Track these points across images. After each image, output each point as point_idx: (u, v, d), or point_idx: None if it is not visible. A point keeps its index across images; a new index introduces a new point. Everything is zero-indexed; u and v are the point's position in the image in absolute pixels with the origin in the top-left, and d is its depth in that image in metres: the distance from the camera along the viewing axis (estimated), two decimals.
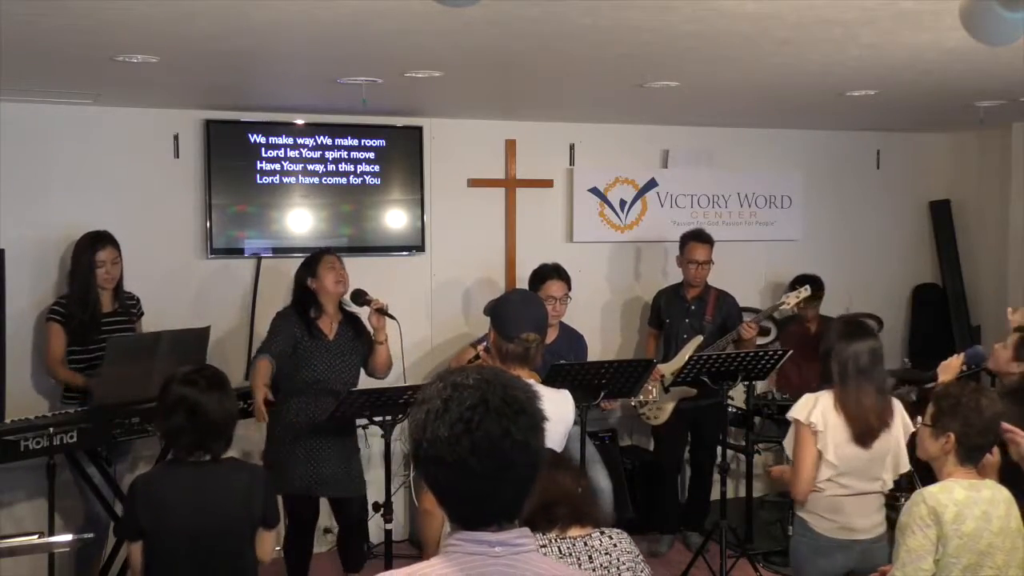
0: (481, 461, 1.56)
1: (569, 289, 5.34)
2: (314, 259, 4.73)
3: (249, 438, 5.23)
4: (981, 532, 2.88)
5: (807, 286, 5.72)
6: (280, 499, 4.63)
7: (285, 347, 4.59)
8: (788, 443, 3.68)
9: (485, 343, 3.68)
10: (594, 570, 2.45)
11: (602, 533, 2.53)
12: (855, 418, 3.50)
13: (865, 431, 3.50)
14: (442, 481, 1.61)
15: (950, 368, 4.07)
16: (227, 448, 3.21)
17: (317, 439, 4.55)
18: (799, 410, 3.59)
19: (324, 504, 4.87)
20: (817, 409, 3.54)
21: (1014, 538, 2.94)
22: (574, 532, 2.50)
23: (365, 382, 4.83)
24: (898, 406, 3.64)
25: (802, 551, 3.66)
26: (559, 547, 2.46)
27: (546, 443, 1.71)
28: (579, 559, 2.45)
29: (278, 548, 4.89)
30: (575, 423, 4.44)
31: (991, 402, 2.99)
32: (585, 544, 2.48)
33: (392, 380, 4.93)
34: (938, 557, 2.87)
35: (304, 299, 4.69)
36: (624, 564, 2.50)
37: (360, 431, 4.83)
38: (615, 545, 2.52)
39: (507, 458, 1.58)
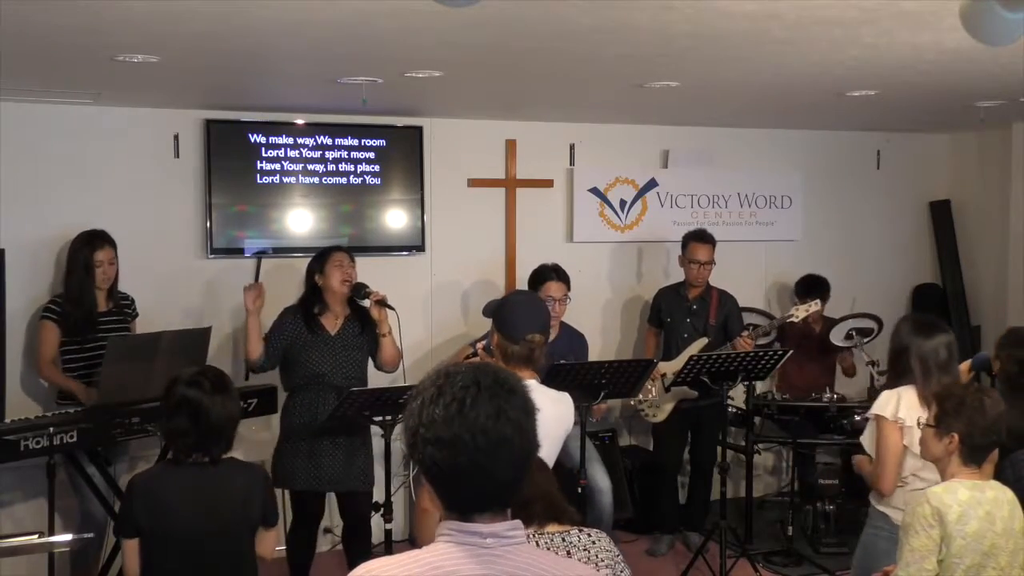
0: (475, 438, 1.60)
1: (568, 289, 5.33)
2: (324, 256, 4.77)
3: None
4: (985, 533, 2.87)
5: (818, 300, 5.74)
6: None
7: (280, 344, 4.68)
8: (867, 440, 3.66)
9: (485, 342, 3.68)
10: None
11: (580, 530, 2.54)
12: None
13: None
14: (438, 462, 1.63)
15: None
16: (228, 450, 3.22)
17: (321, 435, 4.57)
18: (882, 406, 3.56)
19: (328, 503, 4.88)
20: (903, 404, 3.52)
21: (1017, 539, 2.93)
22: (552, 528, 2.51)
23: (375, 379, 4.87)
24: None
25: (882, 546, 3.55)
26: (537, 542, 2.47)
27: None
28: (556, 553, 2.45)
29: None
30: (575, 423, 4.46)
31: (994, 402, 2.98)
32: (564, 539, 2.49)
33: (392, 378, 4.95)
34: (941, 557, 2.87)
35: (310, 294, 4.75)
36: (603, 561, 2.50)
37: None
38: (594, 543, 2.52)
39: (501, 435, 1.62)
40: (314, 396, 4.61)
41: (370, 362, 4.85)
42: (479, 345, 3.92)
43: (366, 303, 4.75)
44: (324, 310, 4.71)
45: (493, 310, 3.45)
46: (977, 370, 4.36)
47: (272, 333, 4.72)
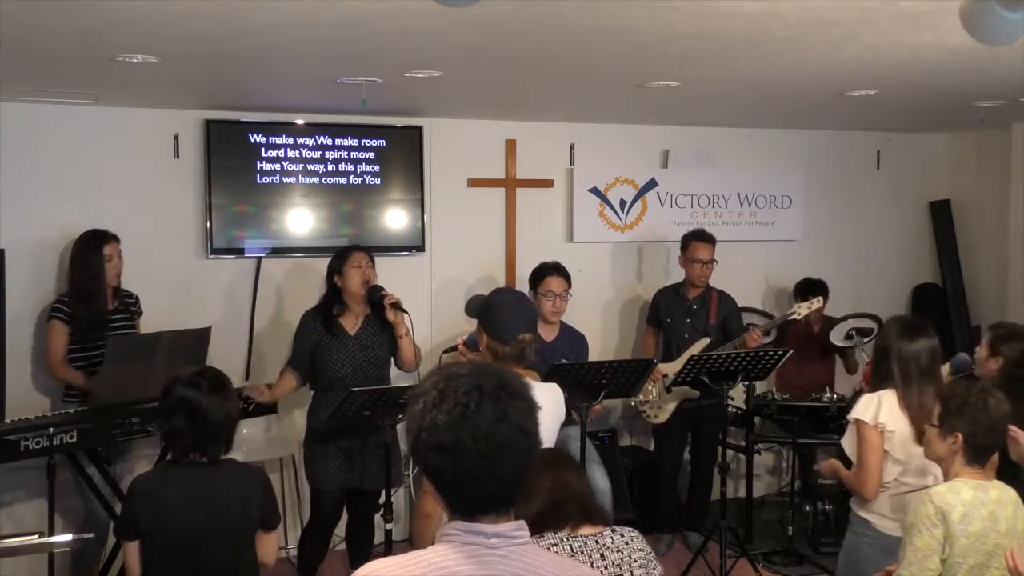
0: (478, 443, 1.61)
1: (569, 286, 5.34)
2: (343, 256, 4.77)
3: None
4: (988, 532, 2.87)
5: (820, 297, 5.74)
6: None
7: (306, 350, 4.72)
8: (848, 444, 3.62)
9: (467, 337, 3.66)
10: (606, 567, 2.45)
11: (613, 531, 2.55)
12: (917, 419, 3.40)
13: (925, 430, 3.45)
14: (441, 467, 1.64)
15: None
16: (227, 450, 3.22)
17: (342, 436, 4.58)
18: (862, 411, 3.51)
19: None
20: (883, 410, 3.47)
21: (1021, 539, 2.92)
22: (585, 531, 2.51)
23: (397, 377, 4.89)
24: None
25: (865, 551, 3.53)
26: (571, 545, 2.46)
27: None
28: (591, 557, 2.45)
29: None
30: (575, 423, 4.46)
31: (998, 402, 2.96)
32: (596, 542, 2.49)
33: (404, 379, 4.94)
34: (944, 557, 2.86)
35: (330, 295, 4.77)
36: (636, 561, 2.50)
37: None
38: (627, 543, 2.52)
39: (504, 440, 1.63)
40: (336, 397, 4.57)
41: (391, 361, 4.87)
42: (460, 340, 3.90)
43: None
44: (343, 311, 4.73)
45: (478, 311, 3.42)
46: (956, 372, 4.32)
47: (296, 343, 4.76)
